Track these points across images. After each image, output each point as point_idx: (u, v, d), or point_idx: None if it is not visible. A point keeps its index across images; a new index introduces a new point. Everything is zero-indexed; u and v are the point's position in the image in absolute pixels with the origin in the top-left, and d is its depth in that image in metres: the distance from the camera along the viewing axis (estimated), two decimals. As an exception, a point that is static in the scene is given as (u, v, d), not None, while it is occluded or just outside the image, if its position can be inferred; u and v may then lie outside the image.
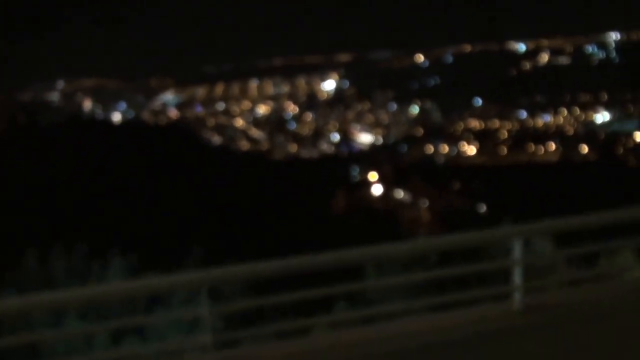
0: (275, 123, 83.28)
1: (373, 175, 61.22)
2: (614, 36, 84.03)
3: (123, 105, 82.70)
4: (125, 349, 5.16)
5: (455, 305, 4.79)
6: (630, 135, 70.81)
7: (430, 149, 74.17)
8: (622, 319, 4.78)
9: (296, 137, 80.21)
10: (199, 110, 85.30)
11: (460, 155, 73.63)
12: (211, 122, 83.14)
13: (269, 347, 4.82)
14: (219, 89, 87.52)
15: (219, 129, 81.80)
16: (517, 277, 4.61)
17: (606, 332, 4.69)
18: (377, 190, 58.58)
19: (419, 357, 4.47)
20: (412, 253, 6.34)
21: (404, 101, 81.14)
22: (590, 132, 74.91)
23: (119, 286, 5.22)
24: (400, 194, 57.92)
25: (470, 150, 74.36)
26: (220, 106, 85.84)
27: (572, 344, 4.60)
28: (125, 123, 71.41)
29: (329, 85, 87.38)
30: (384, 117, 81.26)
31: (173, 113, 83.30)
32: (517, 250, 4.59)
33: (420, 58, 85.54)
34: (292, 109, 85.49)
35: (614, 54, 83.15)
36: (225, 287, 4.81)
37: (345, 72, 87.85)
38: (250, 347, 4.90)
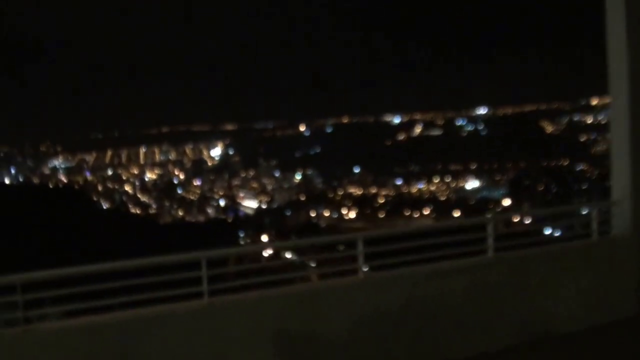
0: (163, 188, 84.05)
1: (264, 238, 62.35)
2: (482, 111, 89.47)
3: (12, 169, 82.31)
4: None
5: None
6: (498, 201, 74.34)
7: (313, 213, 76.10)
8: (548, 265, 7.56)
9: (183, 202, 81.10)
10: (88, 175, 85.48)
11: (342, 219, 75.53)
12: (100, 187, 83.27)
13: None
14: (108, 155, 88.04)
15: (108, 193, 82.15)
16: (489, 240, 7.19)
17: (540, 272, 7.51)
18: (266, 252, 59.94)
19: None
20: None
21: (288, 168, 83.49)
22: (461, 198, 78.30)
23: None
24: (289, 255, 59.22)
25: (350, 214, 76.80)
26: (109, 172, 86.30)
27: (518, 277, 7.37)
28: (17, 185, 70.96)
29: (215, 152, 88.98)
30: (269, 184, 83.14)
31: (63, 178, 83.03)
32: (490, 228, 7.25)
33: (302, 128, 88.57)
34: (179, 174, 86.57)
35: (481, 127, 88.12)
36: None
37: (231, 141, 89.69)
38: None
